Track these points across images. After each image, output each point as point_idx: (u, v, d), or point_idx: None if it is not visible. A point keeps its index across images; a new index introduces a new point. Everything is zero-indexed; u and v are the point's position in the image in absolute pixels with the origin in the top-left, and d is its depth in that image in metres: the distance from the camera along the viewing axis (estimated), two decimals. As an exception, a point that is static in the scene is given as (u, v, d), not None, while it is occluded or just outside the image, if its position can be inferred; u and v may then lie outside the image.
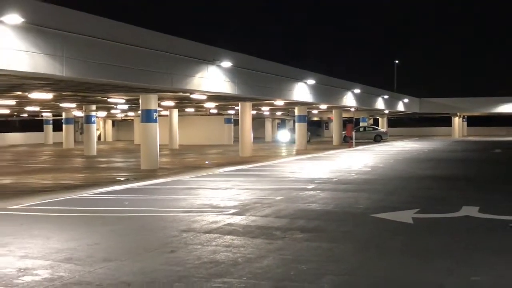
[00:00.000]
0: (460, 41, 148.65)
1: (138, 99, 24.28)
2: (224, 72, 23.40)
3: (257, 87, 27.38)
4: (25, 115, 51.57)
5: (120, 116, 56.56)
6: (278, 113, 55.43)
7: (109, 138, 65.52)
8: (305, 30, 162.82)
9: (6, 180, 19.39)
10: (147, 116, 23.42)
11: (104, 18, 17.19)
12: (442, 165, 24.47)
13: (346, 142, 44.44)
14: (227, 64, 23.06)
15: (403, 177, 19.19)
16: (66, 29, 15.08)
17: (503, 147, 40.28)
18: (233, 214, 11.53)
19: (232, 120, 51.09)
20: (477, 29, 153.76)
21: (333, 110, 46.65)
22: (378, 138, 51.84)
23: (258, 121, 57.49)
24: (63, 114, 45.91)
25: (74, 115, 46.93)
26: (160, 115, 30.05)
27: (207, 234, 9.47)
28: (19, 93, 23.53)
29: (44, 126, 55.47)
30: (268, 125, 62.53)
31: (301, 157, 30.48)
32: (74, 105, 35.36)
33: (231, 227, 10.08)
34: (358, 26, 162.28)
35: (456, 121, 65.74)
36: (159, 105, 28.92)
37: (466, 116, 69.89)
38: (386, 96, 50.97)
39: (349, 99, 41.51)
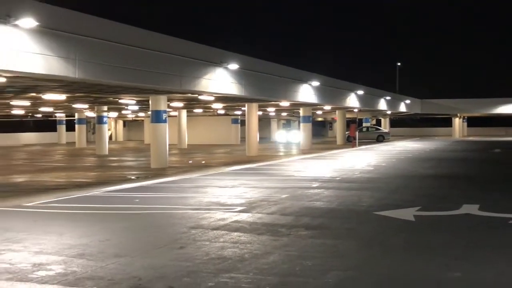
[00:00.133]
0: (460, 41, 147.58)
1: (148, 100, 24.31)
2: (231, 74, 23.40)
3: (263, 89, 27.37)
4: (39, 115, 51.74)
5: (130, 116, 56.65)
6: (284, 114, 55.37)
7: (120, 138, 65.63)
8: (305, 30, 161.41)
9: (21, 179, 19.45)
10: (157, 117, 23.46)
11: (116, 22, 17.23)
12: (443, 165, 24.39)
13: (349, 142, 44.35)
14: (234, 66, 23.06)
15: (405, 176, 19.14)
16: (79, 33, 15.12)
17: (503, 147, 40.12)
18: (240, 211, 11.52)
19: (239, 121, 51.09)
20: (477, 29, 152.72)
21: (337, 111, 46.59)
22: (381, 138, 51.71)
23: (264, 122, 57.46)
24: (76, 114, 46.08)
25: (86, 116, 47.08)
26: (169, 116, 30.08)
27: (215, 231, 9.47)
28: (34, 94, 23.61)
29: (58, 126, 55.63)
30: (273, 125, 62.49)
31: (305, 156, 30.45)
32: (86, 106, 35.45)
33: (238, 224, 10.08)
34: (358, 26, 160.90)
35: (457, 121, 65.58)
36: (169, 106, 28.94)
37: (466, 117, 69.70)
38: (388, 97, 50.87)
39: (352, 100, 41.44)
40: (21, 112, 43.36)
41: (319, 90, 34.23)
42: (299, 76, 31.74)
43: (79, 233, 9.32)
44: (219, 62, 22.38)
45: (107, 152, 35.01)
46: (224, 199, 13.47)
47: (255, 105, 32.31)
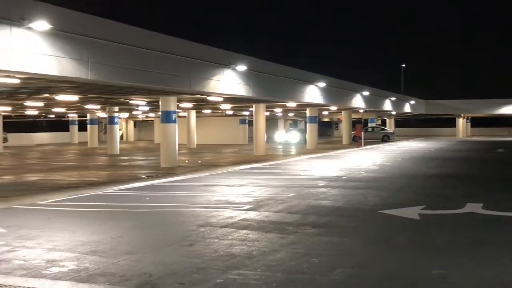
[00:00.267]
0: (460, 41, 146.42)
1: (158, 101, 24.35)
2: (239, 76, 23.41)
3: (271, 90, 27.36)
4: (52, 116, 51.92)
5: (141, 117, 56.73)
6: (290, 114, 55.30)
7: (131, 137, 65.77)
8: (305, 30, 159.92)
9: (35, 177, 19.53)
10: (167, 117, 23.49)
11: (127, 24, 17.27)
12: (447, 164, 24.30)
13: (355, 141, 44.24)
14: (242, 67, 23.07)
15: (410, 175, 19.08)
16: (91, 35, 15.17)
17: (505, 147, 39.91)
18: (248, 210, 11.52)
19: (247, 121, 51.08)
20: (477, 29, 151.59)
21: (342, 111, 46.50)
22: (386, 138, 51.57)
23: (271, 122, 57.41)
24: (88, 115, 46.22)
25: (98, 116, 47.23)
26: (178, 116, 30.14)
27: (223, 229, 9.47)
28: (47, 95, 23.70)
29: (70, 126, 55.84)
30: (280, 125, 62.44)
31: (312, 156, 30.41)
32: (98, 106, 35.55)
33: (246, 222, 10.08)
34: (358, 26, 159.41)
35: (460, 122, 65.33)
36: (178, 107, 28.97)
37: (469, 117, 69.42)
38: (393, 98, 50.74)
39: (358, 101, 41.36)
40: (34, 112, 43.53)
41: (325, 91, 34.18)
42: (306, 77, 31.71)
43: (91, 231, 9.35)
44: (227, 64, 22.39)
45: (118, 152, 35.09)
46: (232, 197, 13.48)
47: (262, 106, 32.30)
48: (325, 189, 15.07)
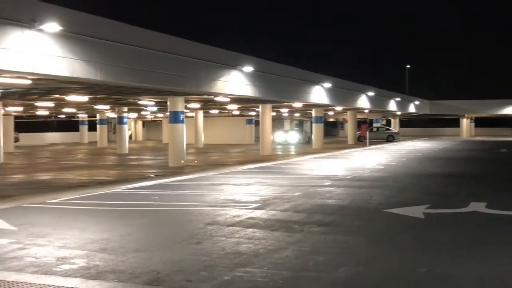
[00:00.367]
0: (460, 41, 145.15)
1: (166, 102, 24.39)
2: (245, 76, 23.42)
3: (277, 90, 27.35)
4: (63, 116, 52.14)
5: (149, 117, 56.85)
6: (296, 114, 55.25)
7: (140, 137, 65.89)
8: (305, 30, 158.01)
9: (46, 176, 19.61)
10: (175, 117, 23.53)
11: (135, 26, 17.32)
12: (451, 164, 24.22)
13: (360, 141, 44.16)
14: (248, 69, 23.08)
15: (414, 174, 19.04)
16: (100, 36, 15.22)
17: (509, 147, 39.72)
18: (255, 208, 11.53)
19: (253, 121, 51.07)
20: (477, 29, 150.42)
21: (348, 111, 46.42)
22: (391, 138, 51.46)
23: (278, 122, 57.38)
24: (97, 115, 46.35)
25: (107, 116, 47.36)
26: (186, 117, 30.15)
27: (230, 227, 9.48)
28: (57, 96, 23.79)
29: (80, 126, 56.03)
30: (287, 125, 62.39)
31: (317, 155, 30.38)
32: (107, 107, 35.66)
33: (253, 221, 10.09)
34: (358, 26, 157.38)
35: (464, 122, 65.14)
36: (186, 107, 29.02)
37: (473, 117, 69.18)
38: (398, 99, 50.61)
39: (363, 101, 41.29)
40: (45, 113, 43.73)
41: (331, 92, 34.15)
42: (311, 78, 31.68)
43: (101, 229, 9.38)
44: (234, 65, 22.41)
45: (127, 151, 35.17)
46: (239, 196, 13.49)
47: (268, 106, 32.29)
48: (331, 188, 15.06)
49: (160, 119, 56.39)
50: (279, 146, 41.86)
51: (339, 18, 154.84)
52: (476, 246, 8.10)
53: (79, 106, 34.60)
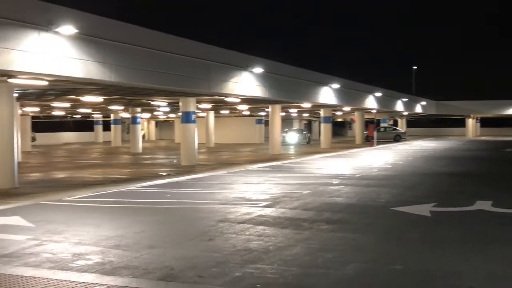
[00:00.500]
0: (461, 41, 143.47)
1: (178, 102, 24.43)
2: (255, 77, 23.42)
3: (286, 91, 27.33)
4: (78, 116, 52.41)
5: (162, 117, 57.01)
6: (305, 115, 55.15)
7: (153, 137, 66.08)
8: (305, 30, 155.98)
9: (62, 175, 19.72)
10: (187, 118, 23.57)
11: (148, 29, 17.36)
12: (457, 163, 24.08)
13: (368, 141, 44.00)
14: (258, 70, 23.08)
15: (421, 173, 18.95)
16: (115, 39, 15.28)
17: (515, 146, 39.46)
18: (265, 206, 11.52)
19: (263, 121, 51.03)
20: (478, 29, 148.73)
21: (356, 112, 46.29)
22: (398, 138, 51.25)
23: (287, 122, 57.30)
24: (112, 115, 46.55)
25: (121, 117, 47.54)
26: (198, 117, 30.22)
27: (241, 224, 9.48)
28: (73, 96, 23.91)
29: (95, 126, 56.28)
30: (296, 125, 62.32)
31: (326, 155, 30.31)
32: (121, 107, 35.79)
33: (263, 218, 10.08)
34: (358, 26, 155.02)
35: (470, 122, 64.78)
36: (197, 108, 29.06)
37: (479, 118, 68.77)
38: (405, 99, 50.40)
39: (370, 102, 41.16)
40: (61, 113, 43.98)
41: (339, 92, 34.06)
42: (320, 79, 31.62)
43: (115, 226, 9.42)
44: (244, 66, 22.42)
45: (140, 151, 35.28)
46: (250, 194, 13.49)
47: (278, 107, 32.27)
48: (339, 187, 15.02)
49: (173, 119, 56.51)
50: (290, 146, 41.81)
51: (339, 18, 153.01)
52: (482, 243, 8.05)
53: (94, 106, 34.76)
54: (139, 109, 36.90)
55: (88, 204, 12.09)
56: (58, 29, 13.12)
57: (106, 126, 54.27)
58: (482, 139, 56.11)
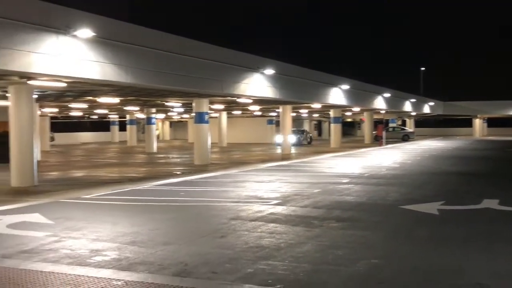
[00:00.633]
0: (461, 41, 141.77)
1: (191, 103, 24.50)
2: (267, 79, 23.42)
3: (297, 92, 27.29)
4: (95, 117, 52.71)
5: (176, 117, 57.18)
6: (315, 115, 55.05)
7: (167, 137, 66.30)
8: (305, 30, 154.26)
9: (80, 173, 19.84)
10: (200, 118, 23.62)
11: (163, 32, 17.42)
12: (464, 162, 23.91)
13: (377, 141, 43.82)
14: (270, 71, 23.08)
15: (429, 172, 18.83)
16: (130, 42, 15.36)
17: (521, 146, 39.12)
18: (276, 204, 11.52)
19: (274, 121, 51.00)
20: (479, 29, 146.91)
21: (365, 112, 46.13)
22: (406, 138, 50.99)
23: (297, 122, 57.23)
24: (127, 116, 46.76)
25: (136, 117, 47.73)
26: (211, 117, 30.26)
27: (253, 222, 9.48)
28: (90, 97, 24.06)
29: (111, 126, 56.56)
30: (306, 125, 62.23)
31: (335, 154, 30.24)
32: (137, 108, 35.94)
33: (274, 216, 10.08)
34: (358, 26, 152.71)
35: (477, 122, 64.32)
36: (210, 108, 29.12)
37: (486, 118, 68.25)
38: (413, 100, 50.15)
39: (379, 102, 41.00)
40: (79, 113, 44.25)
41: (349, 93, 33.97)
42: (330, 80, 31.55)
43: (131, 223, 9.46)
44: (256, 68, 22.43)
45: (155, 150, 35.40)
46: (261, 193, 13.48)
47: (289, 107, 32.24)
48: (349, 185, 14.97)
49: (186, 119, 56.69)
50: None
51: (339, 18, 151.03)
52: (489, 241, 7.99)
53: (110, 107, 34.94)
54: (154, 110, 37.02)
55: (105, 202, 12.15)
56: (76, 33, 13.22)
57: (122, 127, 54.54)
58: (489, 139, 55.66)
